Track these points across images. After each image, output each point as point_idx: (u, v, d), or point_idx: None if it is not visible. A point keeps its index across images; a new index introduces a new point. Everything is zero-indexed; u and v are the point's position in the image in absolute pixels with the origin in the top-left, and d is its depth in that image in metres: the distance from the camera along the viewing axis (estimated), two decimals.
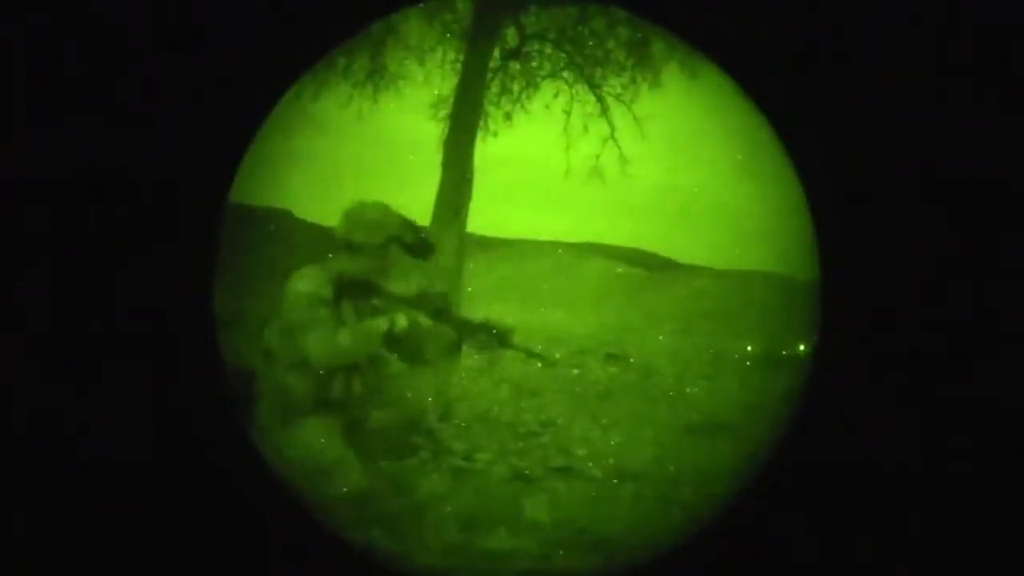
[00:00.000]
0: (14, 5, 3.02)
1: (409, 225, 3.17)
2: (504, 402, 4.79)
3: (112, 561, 3.08)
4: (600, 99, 5.07)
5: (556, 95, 5.10)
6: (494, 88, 5.09)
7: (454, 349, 3.21)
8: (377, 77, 5.20)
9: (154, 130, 3.04)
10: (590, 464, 3.86)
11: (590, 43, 5.03)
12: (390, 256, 3.17)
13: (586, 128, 5.10)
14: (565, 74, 5.09)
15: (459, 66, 4.99)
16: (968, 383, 3.17)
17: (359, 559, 3.18)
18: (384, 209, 3.16)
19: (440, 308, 3.21)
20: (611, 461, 3.87)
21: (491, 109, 5.10)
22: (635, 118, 5.01)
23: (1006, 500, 3.13)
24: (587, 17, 4.98)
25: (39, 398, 3.10)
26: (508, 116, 5.17)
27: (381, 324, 3.11)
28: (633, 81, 5.00)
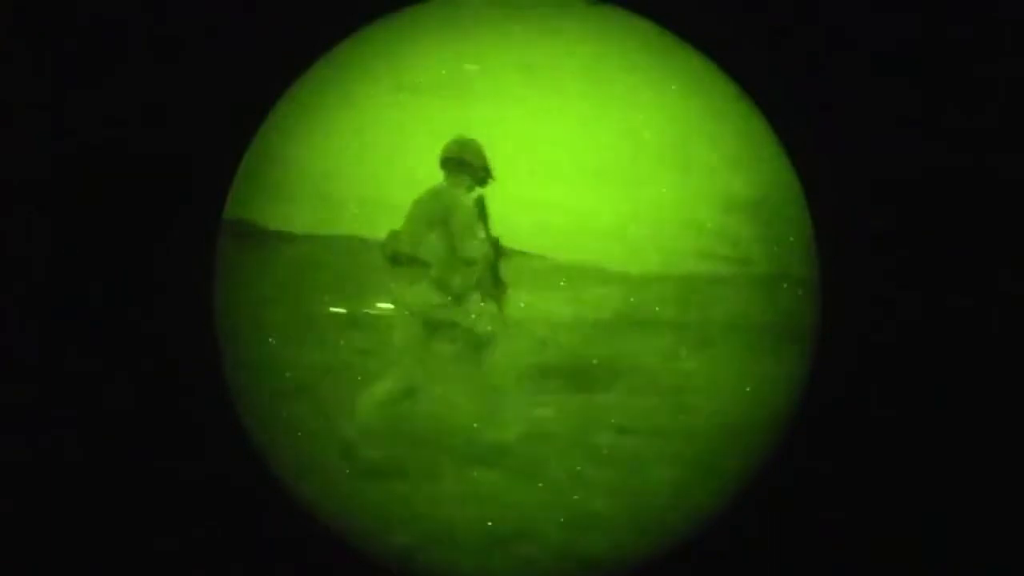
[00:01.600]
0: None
1: (487, 160, 3.92)
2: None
3: (112, 561, 3.13)
4: None
5: None
6: None
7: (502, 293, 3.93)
8: None
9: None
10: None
11: None
12: (480, 178, 3.92)
13: None
14: None
15: None
16: (967, 382, 3.21)
17: (359, 559, 3.25)
18: (477, 142, 3.91)
19: (499, 250, 3.92)
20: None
21: None
22: None
23: (1006, 500, 3.20)
24: None
25: (40, 397, 3.17)
26: None
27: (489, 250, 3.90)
28: None
